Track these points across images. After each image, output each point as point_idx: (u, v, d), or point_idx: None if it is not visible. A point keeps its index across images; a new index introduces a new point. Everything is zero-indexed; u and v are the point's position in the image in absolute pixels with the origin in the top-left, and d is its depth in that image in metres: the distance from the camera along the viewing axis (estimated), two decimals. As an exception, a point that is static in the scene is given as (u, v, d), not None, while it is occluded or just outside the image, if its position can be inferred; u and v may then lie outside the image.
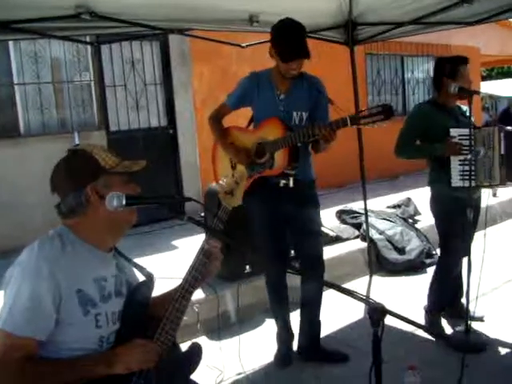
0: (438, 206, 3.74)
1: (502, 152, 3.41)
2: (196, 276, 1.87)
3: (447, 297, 3.87)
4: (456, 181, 3.48)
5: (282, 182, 3.28)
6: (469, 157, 3.33)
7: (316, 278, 3.35)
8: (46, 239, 1.71)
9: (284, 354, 3.56)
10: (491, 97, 17.59)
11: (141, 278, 2.01)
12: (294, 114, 3.29)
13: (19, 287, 1.60)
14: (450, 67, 3.60)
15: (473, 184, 3.36)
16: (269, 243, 3.42)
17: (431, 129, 3.55)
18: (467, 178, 3.40)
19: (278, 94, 3.30)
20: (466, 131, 3.41)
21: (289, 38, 3.10)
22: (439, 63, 3.72)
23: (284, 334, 3.57)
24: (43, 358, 1.64)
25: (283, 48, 3.11)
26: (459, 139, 3.44)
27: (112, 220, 1.76)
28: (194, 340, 2.11)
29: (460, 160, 3.45)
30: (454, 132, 3.46)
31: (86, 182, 1.73)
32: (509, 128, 3.50)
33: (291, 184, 3.29)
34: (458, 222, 3.56)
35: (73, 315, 1.66)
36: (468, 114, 3.76)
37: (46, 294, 1.60)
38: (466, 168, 3.39)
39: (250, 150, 3.33)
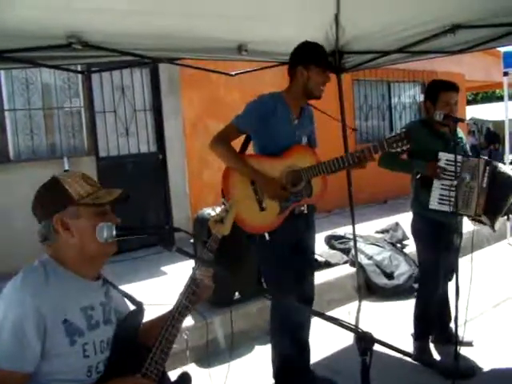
0: (417, 227, 3.78)
1: (484, 185, 3.44)
2: (186, 305, 1.87)
3: (431, 322, 3.88)
4: (434, 203, 3.50)
5: (298, 209, 3.22)
6: (455, 182, 3.37)
7: (311, 301, 3.40)
8: (29, 270, 1.70)
9: None
10: (475, 123, 17.85)
11: (131, 306, 2.01)
12: (303, 139, 3.28)
13: (3, 320, 1.59)
14: (431, 91, 3.67)
15: (449, 209, 3.41)
16: (287, 276, 3.24)
17: (417, 145, 3.51)
18: (446, 202, 3.44)
19: (293, 118, 3.24)
20: (453, 157, 3.46)
21: (322, 49, 3.18)
22: (428, 86, 3.80)
23: (284, 364, 3.39)
24: None
25: (320, 56, 3.13)
26: (445, 164, 3.47)
27: (86, 251, 1.75)
28: (183, 367, 2.12)
29: (443, 184, 3.49)
30: (442, 156, 3.49)
31: (53, 212, 1.73)
32: (495, 163, 3.54)
33: (306, 211, 3.26)
34: (435, 246, 3.60)
35: (59, 346, 1.64)
36: (464, 140, 3.84)
37: (30, 325, 1.58)
38: (448, 193, 3.44)
39: (279, 178, 3.12)
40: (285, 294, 3.19)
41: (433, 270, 3.69)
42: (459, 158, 3.44)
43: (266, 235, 3.17)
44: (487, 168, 3.45)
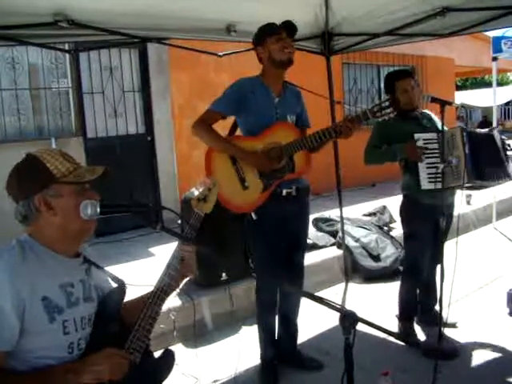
0: (406, 209, 3.80)
1: (467, 151, 3.42)
2: (168, 282, 1.88)
3: (415, 303, 3.94)
4: (425, 184, 3.50)
5: (285, 190, 3.19)
6: (441, 166, 3.37)
7: (299, 283, 3.40)
8: (5, 249, 1.69)
9: (271, 366, 3.45)
10: (463, 106, 17.94)
11: (113, 284, 2.01)
12: (288, 117, 3.26)
13: None
14: (387, 84, 3.82)
15: (440, 186, 3.39)
16: (273, 257, 3.22)
17: (395, 135, 3.59)
18: (436, 180, 3.45)
19: (273, 96, 3.23)
20: (430, 135, 3.49)
21: (272, 23, 3.17)
22: (384, 80, 3.91)
23: (270, 344, 3.45)
24: (12, 369, 1.62)
25: (270, 26, 3.15)
26: (424, 143, 3.48)
27: (66, 229, 1.74)
28: (170, 347, 2.12)
29: (428, 163, 3.49)
30: (417, 137, 3.50)
31: (34, 192, 1.70)
32: (470, 128, 3.58)
33: (294, 192, 3.23)
34: (423, 227, 3.64)
35: (38, 323, 1.64)
36: (433, 117, 3.86)
37: (8, 304, 1.57)
38: (434, 171, 3.44)
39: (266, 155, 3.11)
40: (270, 274, 3.22)
41: (418, 252, 3.72)
42: (434, 134, 3.49)
43: (253, 215, 3.16)
44: (464, 134, 3.45)
